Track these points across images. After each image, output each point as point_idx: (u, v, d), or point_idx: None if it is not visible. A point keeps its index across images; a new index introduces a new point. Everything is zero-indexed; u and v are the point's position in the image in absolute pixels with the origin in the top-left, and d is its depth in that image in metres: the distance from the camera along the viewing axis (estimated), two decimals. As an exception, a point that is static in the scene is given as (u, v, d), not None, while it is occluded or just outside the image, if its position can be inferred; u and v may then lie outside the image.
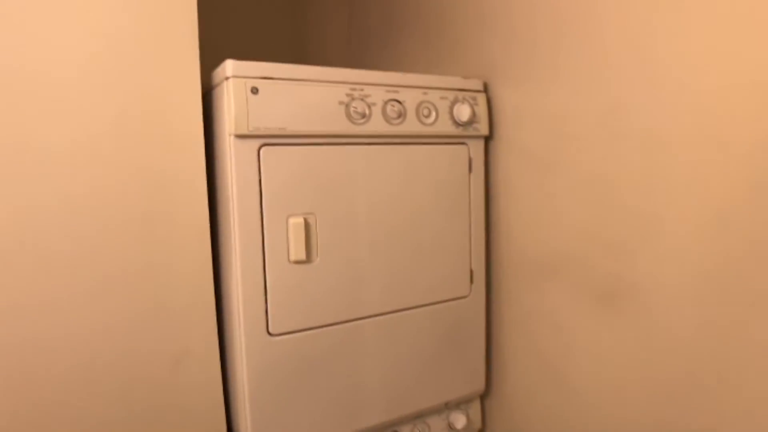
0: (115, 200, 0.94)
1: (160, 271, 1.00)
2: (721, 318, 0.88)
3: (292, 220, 1.00)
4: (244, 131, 0.94)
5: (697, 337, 0.91)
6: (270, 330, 1.01)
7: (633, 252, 1.00)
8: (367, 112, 1.06)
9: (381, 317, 1.14)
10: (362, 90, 1.06)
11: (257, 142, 0.97)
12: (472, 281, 1.27)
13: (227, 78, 0.94)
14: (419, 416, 1.28)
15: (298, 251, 1.00)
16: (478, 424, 1.39)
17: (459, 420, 1.32)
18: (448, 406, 1.32)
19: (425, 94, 1.15)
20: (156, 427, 1.05)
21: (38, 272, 0.90)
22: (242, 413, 1.04)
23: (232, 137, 0.95)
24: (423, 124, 1.14)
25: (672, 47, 0.90)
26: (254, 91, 0.95)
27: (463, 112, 1.19)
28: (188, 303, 1.03)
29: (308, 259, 1.02)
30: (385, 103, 1.09)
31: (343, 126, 1.04)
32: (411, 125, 1.13)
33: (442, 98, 1.17)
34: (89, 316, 0.94)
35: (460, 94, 1.20)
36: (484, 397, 1.41)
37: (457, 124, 1.19)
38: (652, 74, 0.94)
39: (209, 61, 1.06)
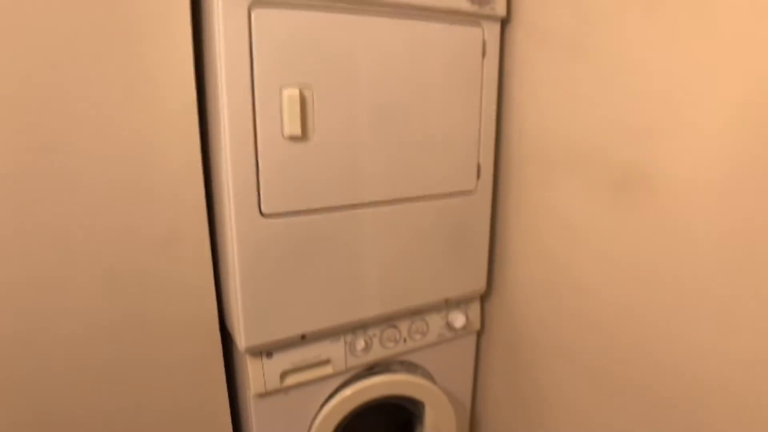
0: (92, 67, 0.86)
1: (144, 147, 0.93)
2: (742, 215, 0.81)
3: (286, 92, 0.92)
4: (234, -15, 0.84)
5: (715, 237, 0.85)
6: (262, 210, 0.95)
7: (656, 140, 0.91)
8: (372, -25, 0.96)
9: (381, 207, 1.08)
10: (368, -50, 0.95)
11: (247, 1, 0.87)
12: (479, 176, 1.20)
13: (215, -77, 0.84)
14: (418, 313, 1.25)
15: (292, 126, 0.93)
16: (476, 325, 1.36)
17: (458, 319, 1.29)
18: (448, 305, 1.29)
19: (437, -39, 1.03)
20: (144, 313, 1.01)
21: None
22: (233, 297, 1.01)
23: (220, -7, 0.85)
24: (434, -5, 1.03)
25: None
26: (245, -62, 0.84)
27: (479, -14, 1.07)
28: (175, 180, 0.97)
29: (304, 135, 0.95)
30: (393, -33, 0.98)
31: (345, -11, 0.94)
32: (420, -4, 1.02)
33: (456, -32, 1.06)
34: (68, 192, 0.89)
35: (477, -34, 1.08)
36: (484, 297, 1.38)
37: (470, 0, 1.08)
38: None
39: None
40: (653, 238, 0.94)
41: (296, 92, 0.92)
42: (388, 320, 1.21)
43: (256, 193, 0.94)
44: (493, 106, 1.19)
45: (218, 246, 1.05)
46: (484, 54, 1.14)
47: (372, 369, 1.23)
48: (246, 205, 0.94)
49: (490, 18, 1.13)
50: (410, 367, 1.29)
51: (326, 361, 1.14)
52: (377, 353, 1.21)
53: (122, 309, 0.99)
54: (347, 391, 1.17)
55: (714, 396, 0.89)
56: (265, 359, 1.07)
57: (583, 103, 1.03)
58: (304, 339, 1.09)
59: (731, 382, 0.86)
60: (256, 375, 1.07)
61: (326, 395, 1.18)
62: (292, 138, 0.94)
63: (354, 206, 1.04)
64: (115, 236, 0.95)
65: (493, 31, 1.14)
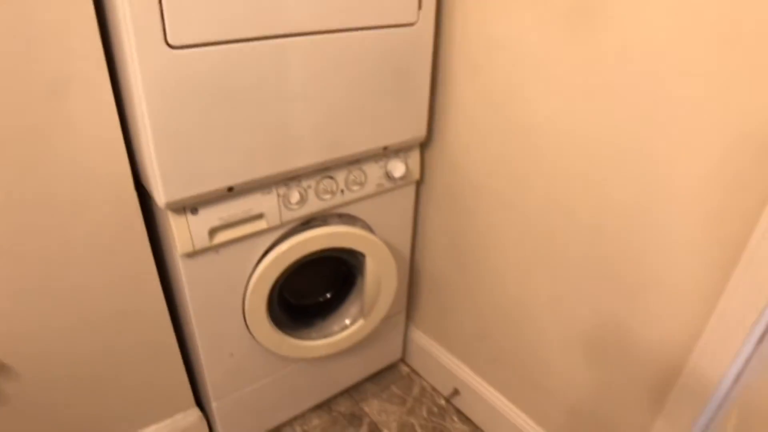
0: None
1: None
2: (711, 44, 0.74)
3: None
4: None
5: (680, 65, 0.79)
6: (169, 40, 0.80)
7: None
8: None
9: (309, 38, 0.94)
10: None
11: None
12: (420, 6, 1.06)
13: None
14: (355, 162, 1.16)
15: (196, -72, 0.75)
16: (416, 174, 1.30)
17: (397, 168, 1.22)
18: (387, 153, 1.21)
19: None
20: (43, 174, 0.88)
21: None
22: (146, 147, 0.88)
23: None
24: None
25: None
26: None
27: None
28: (59, 11, 0.79)
29: (212, -57, 0.78)
30: None
31: None
32: None
33: None
34: None
35: None
36: (424, 145, 1.30)
37: None
38: None
39: None
40: (610, 67, 0.87)
41: None
42: (324, 171, 1.12)
43: (159, 19, 0.77)
44: None
45: (123, 89, 0.90)
46: None
47: (309, 223, 1.17)
48: (149, 34, 0.78)
49: None
50: (348, 220, 1.23)
51: (259, 216, 1.06)
52: (313, 206, 1.13)
53: (14, 173, 0.85)
54: (283, 246, 1.11)
55: (667, 232, 0.88)
56: (190, 216, 0.98)
57: None
58: (231, 192, 0.99)
59: (687, 215, 0.85)
60: (181, 233, 0.98)
61: (261, 252, 1.12)
62: (198, -54, 0.76)
63: (278, 36, 0.90)
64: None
65: None
